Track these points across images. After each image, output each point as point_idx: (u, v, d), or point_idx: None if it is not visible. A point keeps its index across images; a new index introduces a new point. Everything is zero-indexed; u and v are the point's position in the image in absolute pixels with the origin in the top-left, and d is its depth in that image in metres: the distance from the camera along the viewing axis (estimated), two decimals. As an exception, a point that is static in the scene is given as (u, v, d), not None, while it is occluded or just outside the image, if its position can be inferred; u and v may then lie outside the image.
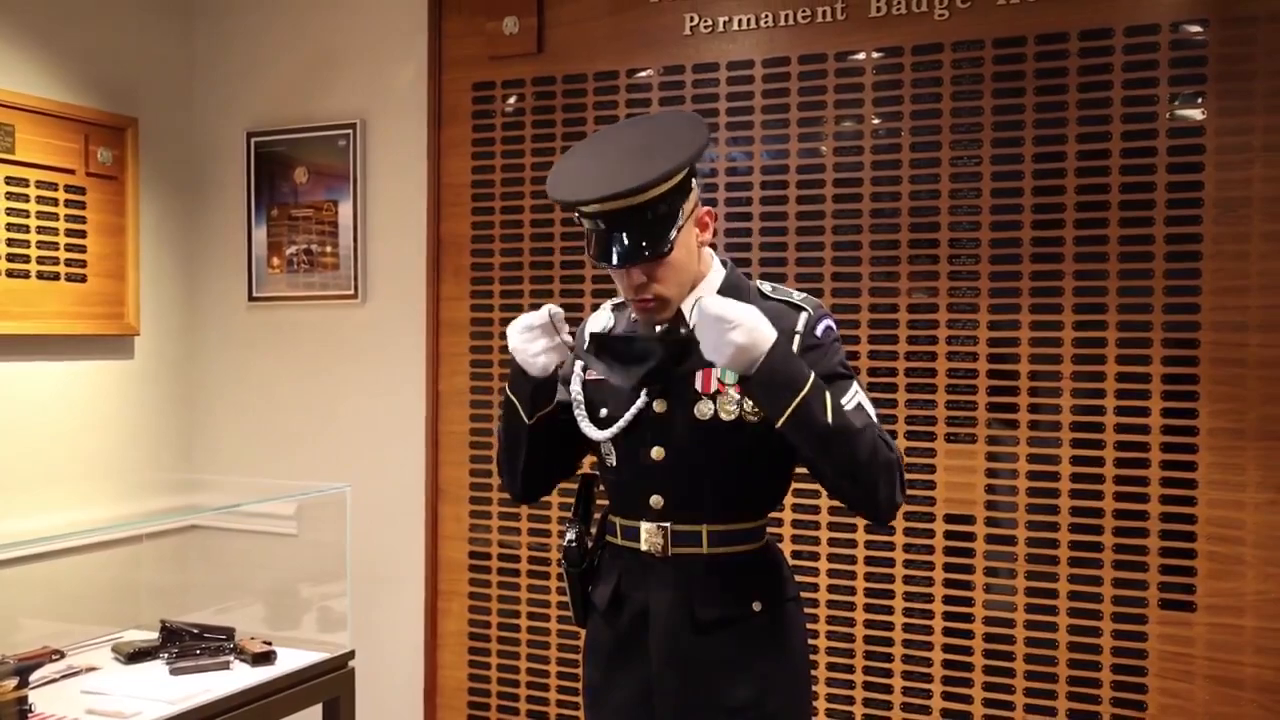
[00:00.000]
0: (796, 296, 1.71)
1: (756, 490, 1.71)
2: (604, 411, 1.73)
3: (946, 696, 2.63)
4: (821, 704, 2.74)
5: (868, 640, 2.70)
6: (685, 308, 1.71)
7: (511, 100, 3.10)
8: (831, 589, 2.73)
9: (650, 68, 2.92)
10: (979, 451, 2.60)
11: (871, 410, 1.63)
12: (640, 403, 1.68)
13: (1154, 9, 2.45)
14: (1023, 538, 2.57)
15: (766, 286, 1.74)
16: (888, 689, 2.69)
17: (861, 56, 2.70)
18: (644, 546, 1.69)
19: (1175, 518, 2.44)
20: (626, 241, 1.58)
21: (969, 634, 2.62)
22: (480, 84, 3.13)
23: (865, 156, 2.70)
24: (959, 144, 2.62)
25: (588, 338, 1.81)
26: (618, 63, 2.95)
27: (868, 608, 2.70)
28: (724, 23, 2.83)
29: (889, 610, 2.68)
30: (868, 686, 2.70)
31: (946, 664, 2.64)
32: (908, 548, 2.67)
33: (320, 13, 3.34)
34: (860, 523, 2.69)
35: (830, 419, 1.51)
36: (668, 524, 1.67)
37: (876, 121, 2.70)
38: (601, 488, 1.83)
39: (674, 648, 1.66)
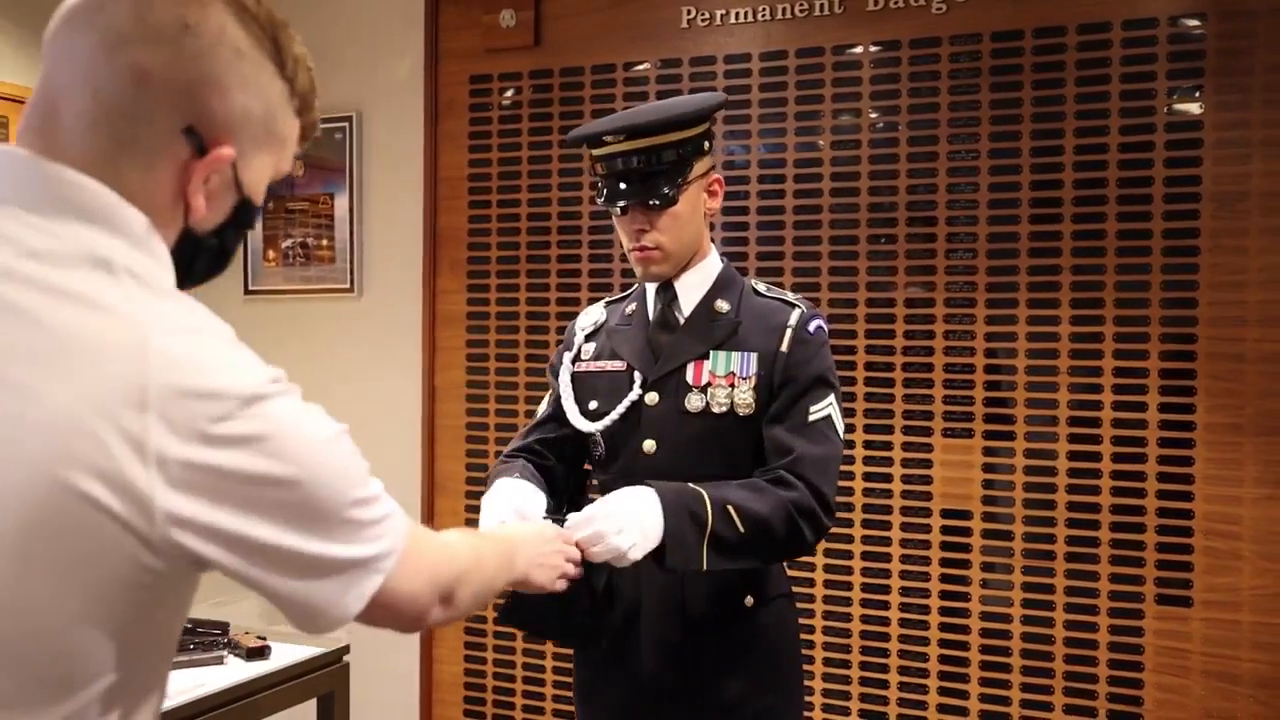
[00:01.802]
0: (790, 295, 1.73)
1: None
2: (593, 404, 1.73)
3: (943, 692, 2.63)
4: (818, 699, 2.73)
5: (864, 636, 2.70)
6: (684, 297, 1.72)
7: (508, 93, 3.08)
8: (828, 584, 2.73)
9: (647, 61, 2.91)
10: (976, 447, 2.60)
11: (840, 425, 1.65)
12: (632, 396, 1.67)
13: (1152, 3, 2.44)
14: (1020, 533, 2.56)
15: (761, 285, 1.75)
16: (884, 684, 2.68)
17: (859, 50, 2.70)
18: None
19: (1172, 513, 2.44)
20: (634, 185, 1.63)
21: (965, 629, 2.61)
22: (477, 77, 3.11)
23: (863, 150, 2.69)
24: (956, 138, 2.61)
25: (579, 332, 1.82)
26: (615, 56, 2.94)
27: (864, 603, 2.70)
28: (721, 16, 2.82)
29: (885, 605, 2.68)
30: (864, 682, 2.70)
31: (943, 659, 2.63)
32: (904, 543, 2.66)
33: (316, 4, 3.33)
34: (857, 519, 2.68)
35: (742, 528, 1.51)
36: None
37: (874, 115, 2.69)
38: (593, 482, 1.83)
39: (665, 644, 1.66)
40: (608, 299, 1.89)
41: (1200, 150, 2.41)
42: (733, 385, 1.64)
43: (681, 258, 1.68)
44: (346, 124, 3.24)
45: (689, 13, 2.85)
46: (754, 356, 1.65)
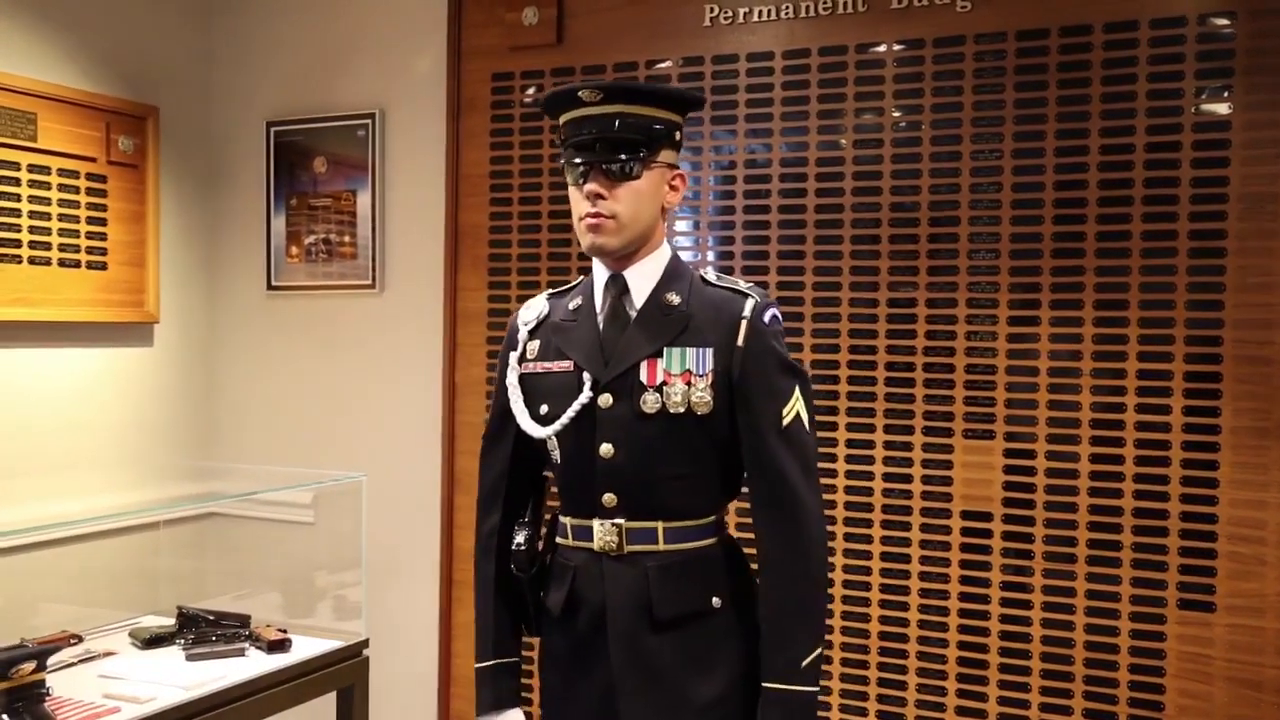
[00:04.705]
0: (742, 284, 1.68)
1: (711, 483, 1.67)
2: (544, 408, 1.67)
3: (962, 694, 2.62)
4: (835, 699, 2.73)
5: (882, 637, 2.69)
6: (635, 288, 1.67)
7: (530, 91, 3.09)
8: (846, 584, 2.72)
9: (669, 59, 2.91)
10: (997, 448, 2.58)
11: (807, 419, 1.62)
12: (582, 399, 1.63)
13: (1180, 1, 2.42)
14: (1040, 536, 2.54)
15: (711, 275, 1.70)
16: (902, 685, 2.67)
17: (882, 49, 2.68)
18: (597, 546, 1.65)
19: (1196, 517, 2.42)
20: (600, 152, 1.61)
21: (985, 632, 2.60)
22: (499, 74, 3.12)
23: (885, 150, 2.68)
24: (980, 138, 2.59)
25: (521, 327, 1.77)
26: (637, 54, 2.94)
27: (883, 604, 2.69)
28: (744, 14, 2.81)
29: (904, 607, 2.67)
30: (882, 683, 2.69)
31: (962, 661, 2.62)
32: (924, 544, 2.65)
33: (340, 2, 3.34)
34: (877, 519, 2.68)
35: (814, 646, 1.59)
36: (621, 521, 1.63)
37: (897, 114, 2.67)
38: (554, 489, 1.78)
39: (633, 648, 1.62)
40: (550, 291, 1.84)
41: (1228, 151, 2.38)
42: (689, 383, 1.60)
43: (633, 236, 1.63)
44: (369, 121, 3.25)
45: (711, 10, 2.85)
46: (709, 352, 1.61)
